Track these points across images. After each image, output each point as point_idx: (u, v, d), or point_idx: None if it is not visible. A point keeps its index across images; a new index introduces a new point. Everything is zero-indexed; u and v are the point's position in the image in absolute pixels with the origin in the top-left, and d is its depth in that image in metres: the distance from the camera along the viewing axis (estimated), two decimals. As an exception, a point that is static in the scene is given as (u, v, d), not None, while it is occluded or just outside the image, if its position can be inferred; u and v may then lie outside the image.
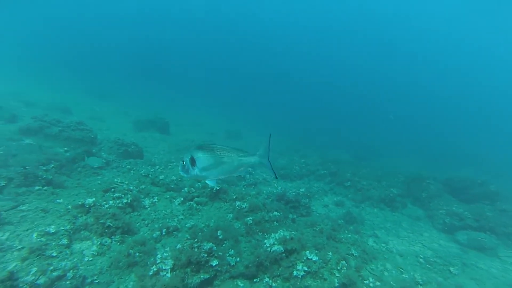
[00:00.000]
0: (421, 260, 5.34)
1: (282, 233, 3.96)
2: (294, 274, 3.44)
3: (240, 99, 35.82)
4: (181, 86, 35.93)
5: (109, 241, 4.06)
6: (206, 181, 2.65)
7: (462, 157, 18.28)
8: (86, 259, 3.66)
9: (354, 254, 4.20)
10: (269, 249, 3.75)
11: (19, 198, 4.67)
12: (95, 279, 3.31)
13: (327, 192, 9.64)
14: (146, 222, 4.73)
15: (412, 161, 16.97)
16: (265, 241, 3.91)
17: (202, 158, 2.52)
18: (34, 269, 2.98)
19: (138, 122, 12.52)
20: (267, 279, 3.54)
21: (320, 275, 3.38)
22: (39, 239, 3.71)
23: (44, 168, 5.69)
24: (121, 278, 3.43)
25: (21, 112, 10.19)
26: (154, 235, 4.25)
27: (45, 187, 5.16)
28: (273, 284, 3.51)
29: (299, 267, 3.45)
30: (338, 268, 3.46)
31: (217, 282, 3.39)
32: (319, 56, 66.72)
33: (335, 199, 8.98)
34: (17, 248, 3.56)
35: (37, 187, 5.06)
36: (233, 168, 2.62)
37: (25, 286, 2.79)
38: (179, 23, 64.07)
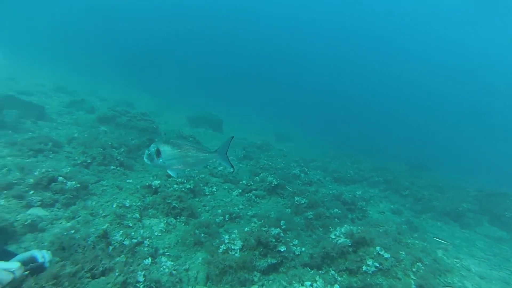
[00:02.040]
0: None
1: (348, 227, 3.79)
2: (363, 269, 3.24)
3: (290, 103, 35.79)
4: (233, 87, 37.08)
5: (174, 221, 4.25)
6: (168, 171, 2.82)
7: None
8: (155, 234, 3.87)
9: (425, 262, 3.85)
10: (335, 241, 3.61)
11: (100, 174, 5.15)
12: (166, 252, 3.48)
13: (382, 199, 9.14)
14: (207, 208, 4.88)
15: (473, 173, 15.33)
16: (331, 234, 3.76)
17: (167, 152, 2.72)
18: (121, 231, 3.24)
19: (193, 118, 13.15)
20: (332, 272, 3.40)
21: (393, 274, 3.14)
22: (118, 210, 4.03)
23: (117, 151, 6.22)
24: (188, 254, 3.56)
25: (97, 105, 11.36)
26: (217, 220, 4.37)
27: (118, 168, 5.62)
28: (339, 278, 3.35)
29: (369, 263, 3.25)
30: (414, 270, 3.18)
31: (282, 269, 3.35)
32: (372, 62, 64.16)
33: (391, 206, 8.45)
34: (102, 215, 3.93)
35: (112, 167, 5.54)
36: (196, 162, 2.80)
37: (116, 244, 3.04)
38: (236, 25, 66.01)
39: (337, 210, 5.65)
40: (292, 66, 63.78)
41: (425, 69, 58.88)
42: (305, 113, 30.56)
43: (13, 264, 1.83)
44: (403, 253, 3.43)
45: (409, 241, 4.41)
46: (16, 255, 2.22)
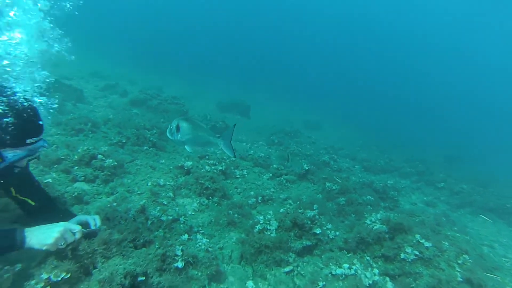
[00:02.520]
0: None
1: (384, 213, 3.65)
2: (401, 257, 3.12)
3: (319, 92, 34.98)
4: (262, 74, 36.81)
5: (207, 201, 4.29)
6: (185, 147, 3.03)
7: None
8: (189, 213, 3.93)
9: (471, 256, 3.63)
10: (371, 226, 3.49)
11: (134, 154, 5.31)
12: (200, 230, 3.53)
13: (414, 190, 8.78)
14: (238, 191, 4.90)
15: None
16: (366, 219, 3.64)
17: (184, 128, 2.94)
18: (158, 207, 3.33)
19: (222, 104, 13.22)
20: (367, 258, 3.30)
21: (436, 264, 2.98)
22: (153, 188, 4.14)
23: (149, 132, 6.37)
24: (221, 234, 3.59)
25: (128, 89, 11.70)
26: (250, 201, 4.37)
27: (151, 148, 5.76)
28: (374, 264, 3.24)
29: (408, 250, 3.11)
30: (459, 262, 3.00)
31: (316, 251, 3.30)
32: (402, 51, 60.95)
33: (424, 198, 8.09)
34: (138, 192, 4.05)
35: (145, 147, 5.69)
36: (204, 142, 3.01)
37: (154, 219, 3.13)
38: (266, 12, 64.80)
39: (370, 197, 5.52)
40: (322, 53, 61.95)
41: (471, 58, 54.90)
42: (334, 102, 29.72)
43: (76, 227, 1.97)
44: (447, 243, 3.25)
45: (449, 233, 4.18)
46: (75, 215, 2.34)
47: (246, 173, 5.58)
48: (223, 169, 5.10)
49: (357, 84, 47.00)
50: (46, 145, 1.85)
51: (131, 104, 8.75)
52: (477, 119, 36.11)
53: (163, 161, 5.44)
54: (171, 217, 3.33)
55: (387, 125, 23.69)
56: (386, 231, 3.49)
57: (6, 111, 1.60)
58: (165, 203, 3.91)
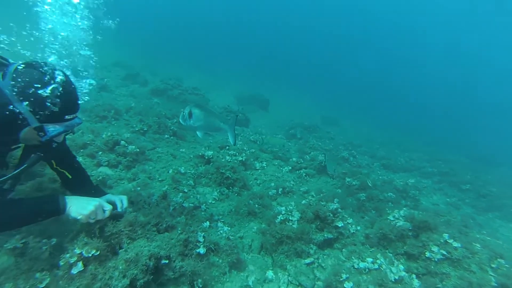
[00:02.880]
0: None
1: (408, 211, 3.53)
2: (426, 255, 3.00)
3: (339, 88, 34.35)
4: (282, 69, 36.50)
5: (227, 190, 4.29)
6: (197, 133, 3.28)
7: None
8: (209, 201, 3.94)
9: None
10: (394, 223, 3.38)
11: (155, 142, 5.38)
12: (220, 218, 3.53)
13: (436, 191, 8.45)
14: (258, 182, 4.87)
15: None
16: (389, 216, 3.53)
17: (197, 114, 3.18)
18: (180, 194, 3.35)
19: (241, 97, 13.21)
20: (389, 255, 3.20)
21: (465, 266, 2.84)
22: (174, 175, 4.17)
23: (170, 121, 6.43)
24: (241, 223, 3.58)
25: (149, 79, 11.86)
26: (270, 192, 4.34)
27: (172, 137, 5.82)
28: (396, 262, 3.14)
29: (435, 249, 2.98)
30: (493, 266, 2.85)
31: (337, 245, 3.24)
32: (430, 47, 58.65)
33: (447, 199, 7.78)
34: (159, 179, 4.10)
35: (166, 136, 5.75)
36: (215, 128, 3.27)
37: (176, 205, 3.15)
38: (285, 7, 63.96)
39: (391, 194, 5.38)
40: (342, 50, 60.65)
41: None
42: (353, 99, 29.11)
43: (108, 206, 2.03)
44: (478, 245, 3.09)
45: (478, 236, 3.99)
46: (106, 193, 2.39)
47: (265, 165, 5.55)
48: (244, 160, 5.08)
49: (377, 82, 45.81)
50: (81, 122, 1.90)
51: (152, 94, 8.88)
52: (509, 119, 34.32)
53: (184, 150, 5.49)
54: (192, 205, 3.35)
55: (409, 124, 23.03)
56: (410, 228, 3.37)
57: (50, 88, 1.64)
58: (186, 190, 3.93)
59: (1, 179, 1.80)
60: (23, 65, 1.65)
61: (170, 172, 4.30)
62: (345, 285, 2.42)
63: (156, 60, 18.39)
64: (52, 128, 1.74)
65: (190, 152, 5.40)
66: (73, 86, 1.81)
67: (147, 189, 3.68)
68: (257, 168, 5.34)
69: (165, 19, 43.47)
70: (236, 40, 47.68)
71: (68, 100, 1.76)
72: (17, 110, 1.60)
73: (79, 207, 1.89)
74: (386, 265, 2.71)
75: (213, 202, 3.96)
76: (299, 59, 49.32)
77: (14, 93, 1.59)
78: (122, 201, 2.35)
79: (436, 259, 2.97)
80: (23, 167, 1.84)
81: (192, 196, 3.69)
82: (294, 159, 5.84)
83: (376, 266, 2.72)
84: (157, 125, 5.80)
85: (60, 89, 1.68)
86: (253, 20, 60.67)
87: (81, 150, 4.09)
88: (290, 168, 5.58)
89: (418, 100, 39.95)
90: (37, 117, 1.67)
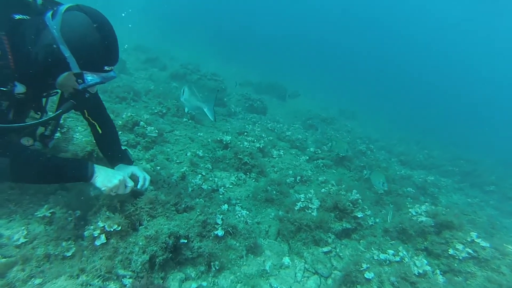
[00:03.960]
0: None
1: (430, 206, 3.40)
2: (450, 253, 2.88)
3: (358, 80, 33.51)
4: (301, 59, 35.92)
5: (244, 176, 4.26)
6: (185, 107, 4.15)
7: None
8: (227, 186, 3.92)
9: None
10: (415, 218, 3.27)
11: (173, 125, 5.39)
12: (238, 203, 3.50)
13: (456, 190, 8.16)
14: (275, 169, 4.81)
15: None
16: (411, 210, 3.42)
17: (186, 92, 3.94)
18: (199, 176, 3.34)
19: (258, 85, 13.06)
20: (410, 249, 3.11)
21: (494, 267, 2.72)
22: (192, 158, 4.17)
23: (189, 106, 6.42)
24: (258, 209, 3.54)
25: (168, 63, 11.89)
26: (288, 180, 4.28)
27: (190, 121, 5.81)
28: (415, 257, 3.04)
29: (459, 247, 2.86)
30: (526, 269, 2.71)
31: (355, 236, 3.17)
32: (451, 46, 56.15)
33: (468, 200, 7.50)
34: (177, 161, 4.10)
35: (184, 119, 5.74)
36: (194, 105, 3.95)
37: (194, 186, 3.14)
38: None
39: (410, 189, 5.24)
40: (362, 41, 58.85)
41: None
42: (373, 92, 28.37)
43: (130, 182, 2.04)
44: (510, 247, 2.94)
45: (505, 238, 3.83)
46: (132, 162, 2.42)
47: (283, 153, 5.47)
48: (261, 146, 5.02)
49: (400, 75, 44.39)
50: (115, 76, 1.86)
51: (171, 78, 8.90)
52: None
53: (201, 134, 5.47)
54: (210, 187, 3.33)
55: (431, 120, 22.29)
56: (432, 224, 3.25)
57: (97, 36, 1.62)
58: (204, 174, 3.92)
59: (35, 122, 1.81)
60: (75, 8, 1.61)
61: (188, 154, 4.29)
62: (365, 275, 2.35)
63: (175, 45, 18.41)
64: (90, 77, 1.70)
65: (208, 136, 5.37)
66: (116, 38, 1.77)
67: (165, 170, 3.70)
68: (274, 156, 5.28)
69: (188, 5, 43.34)
70: (257, 30, 47.11)
71: (110, 51, 1.73)
72: (61, 53, 1.57)
73: (105, 178, 1.89)
74: (409, 258, 2.62)
75: (231, 186, 3.94)
76: (321, 50, 48.33)
77: (61, 35, 1.55)
78: (145, 180, 2.35)
79: (460, 257, 2.85)
80: (57, 112, 1.82)
81: (210, 179, 3.68)
82: (311, 149, 5.73)
83: (397, 258, 2.64)
84: (176, 108, 5.81)
85: (106, 39, 1.66)
86: (274, 7, 59.63)
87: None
88: (307, 157, 5.49)
89: (443, 95, 38.60)
90: (81, 62, 1.63)
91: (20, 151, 1.72)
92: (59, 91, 1.97)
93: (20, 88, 1.66)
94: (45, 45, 1.56)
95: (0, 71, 1.50)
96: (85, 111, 2.35)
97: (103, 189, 1.88)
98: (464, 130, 21.46)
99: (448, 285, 2.59)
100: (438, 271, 2.63)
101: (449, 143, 14.64)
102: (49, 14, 1.59)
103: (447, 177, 9.20)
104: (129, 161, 2.51)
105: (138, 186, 2.30)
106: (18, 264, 1.83)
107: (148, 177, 2.39)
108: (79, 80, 1.68)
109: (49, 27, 1.55)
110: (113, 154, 2.44)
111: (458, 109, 32.96)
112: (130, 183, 2.07)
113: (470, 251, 2.84)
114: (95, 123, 2.40)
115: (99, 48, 1.63)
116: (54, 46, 1.55)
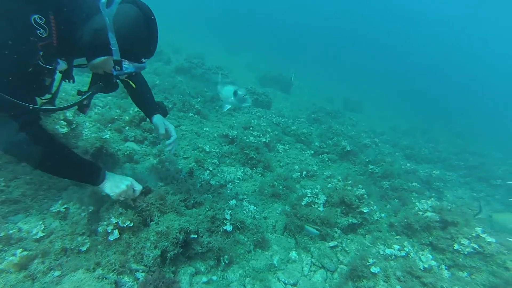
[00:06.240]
0: None
1: (436, 202, 3.42)
2: (455, 248, 2.92)
3: (364, 72, 33.09)
4: (304, 49, 35.54)
5: (250, 171, 4.30)
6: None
7: None
8: (234, 181, 3.96)
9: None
10: (421, 213, 3.30)
11: (179, 120, 5.42)
12: (245, 198, 3.55)
13: (461, 184, 8.15)
14: (281, 164, 4.84)
15: None
16: (417, 205, 3.45)
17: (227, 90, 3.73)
18: (207, 171, 3.38)
19: (263, 78, 13.00)
20: (415, 244, 3.14)
21: (500, 262, 2.75)
22: (199, 153, 4.21)
23: (195, 100, 6.44)
24: (265, 204, 3.59)
25: (172, 57, 11.86)
26: (294, 175, 4.31)
27: (196, 115, 5.83)
28: (420, 252, 3.08)
29: (465, 242, 2.89)
30: (533, 265, 2.74)
31: (360, 230, 3.21)
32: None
33: (474, 194, 7.50)
34: (184, 156, 4.14)
35: (190, 114, 5.76)
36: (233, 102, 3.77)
37: (203, 182, 3.19)
38: None
39: (415, 184, 5.24)
40: (368, 33, 57.98)
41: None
42: (380, 83, 28.02)
43: (139, 186, 2.14)
44: (516, 242, 2.96)
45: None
46: (167, 113, 2.76)
47: (288, 148, 5.50)
48: (267, 141, 5.05)
49: (406, 66, 43.73)
50: (145, 67, 1.92)
51: (175, 72, 8.89)
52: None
53: (207, 128, 5.49)
54: (218, 183, 3.38)
55: (438, 112, 22.05)
56: (438, 220, 3.28)
57: (144, 31, 1.73)
58: (211, 169, 3.97)
59: (71, 103, 1.86)
60: (130, 1, 1.70)
61: (194, 150, 4.33)
62: (372, 270, 2.40)
63: (179, 36, 18.29)
64: (126, 66, 1.77)
65: (213, 131, 5.40)
66: (158, 34, 1.85)
67: (172, 165, 3.74)
68: (280, 150, 5.30)
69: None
70: (261, 21, 46.58)
71: (152, 45, 1.82)
72: (108, 39, 1.64)
73: (113, 184, 1.97)
74: (414, 253, 2.66)
75: (238, 181, 3.98)
76: (324, 41, 47.75)
77: (112, 23, 1.62)
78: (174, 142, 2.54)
79: (465, 252, 2.89)
80: (88, 93, 1.88)
81: (218, 174, 3.72)
82: (316, 143, 5.74)
83: (403, 253, 2.68)
84: (182, 103, 5.83)
85: (151, 34, 1.76)
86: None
87: (109, 125, 4.17)
88: (312, 152, 5.51)
89: (451, 87, 38.06)
90: (123, 51, 1.70)
91: (52, 141, 1.73)
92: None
93: (62, 65, 1.76)
94: (95, 28, 1.65)
95: (46, 50, 1.57)
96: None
97: (111, 194, 1.97)
98: (475, 122, 21.23)
99: (453, 280, 2.63)
100: (443, 266, 2.67)
101: (456, 135, 14.54)
102: (104, 0, 1.64)
103: (452, 171, 9.15)
104: (164, 112, 2.64)
105: (167, 143, 2.48)
106: (38, 257, 1.93)
107: (177, 141, 2.58)
108: (116, 66, 1.75)
109: (103, 14, 1.62)
110: (149, 106, 2.57)
111: (469, 99, 32.54)
112: (138, 187, 2.14)
113: (475, 246, 2.87)
114: (128, 80, 2.43)
115: (144, 42, 1.76)
116: (103, 31, 1.63)
